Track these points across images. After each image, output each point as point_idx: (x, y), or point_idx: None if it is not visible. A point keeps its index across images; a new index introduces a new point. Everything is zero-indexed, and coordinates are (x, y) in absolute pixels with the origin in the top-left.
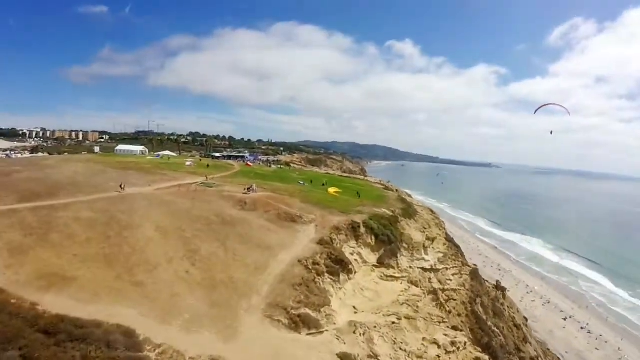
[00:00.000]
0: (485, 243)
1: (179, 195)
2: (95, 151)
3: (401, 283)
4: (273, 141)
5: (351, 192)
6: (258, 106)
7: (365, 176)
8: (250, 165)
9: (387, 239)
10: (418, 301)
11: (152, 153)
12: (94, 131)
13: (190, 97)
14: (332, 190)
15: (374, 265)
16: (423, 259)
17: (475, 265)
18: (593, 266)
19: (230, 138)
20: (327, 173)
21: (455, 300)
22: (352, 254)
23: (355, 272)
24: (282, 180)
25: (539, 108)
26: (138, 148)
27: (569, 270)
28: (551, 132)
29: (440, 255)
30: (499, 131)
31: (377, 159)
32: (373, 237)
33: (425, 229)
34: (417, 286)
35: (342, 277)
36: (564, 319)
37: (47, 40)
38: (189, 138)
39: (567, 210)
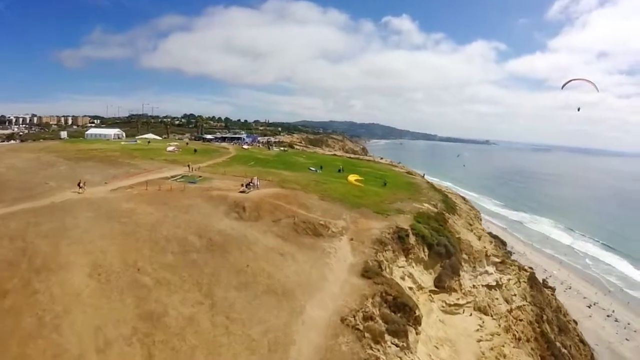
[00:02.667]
0: (494, 224)
1: (144, 199)
2: (62, 137)
3: (470, 315)
4: (270, 122)
5: (373, 178)
6: (254, 86)
7: (372, 156)
8: (247, 149)
9: (444, 251)
10: (502, 345)
11: (136, 138)
12: (85, 116)
13: (185, 78)
14: (352, 178)
15: (431, 292)
16: (486, 271)
17: (531, 268)
18: (605, 247)
19: (227, 119)
20: (335, 155)
21: (522, 320)
22: (402, 279)
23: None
24: (289, 166)
25: (567, 83)
26: (112, 132)
27: (583, 252)
28: (579, 109)
29: (497, 260)
30: (497, 108)
31: (375, 138)
32: (425, 249)
33: (470, 225)
34: (486, 314)
35: (411, 335)
36: (589, 307)
37: (36, 24)
38: (183, 120)
39: (570, 187)
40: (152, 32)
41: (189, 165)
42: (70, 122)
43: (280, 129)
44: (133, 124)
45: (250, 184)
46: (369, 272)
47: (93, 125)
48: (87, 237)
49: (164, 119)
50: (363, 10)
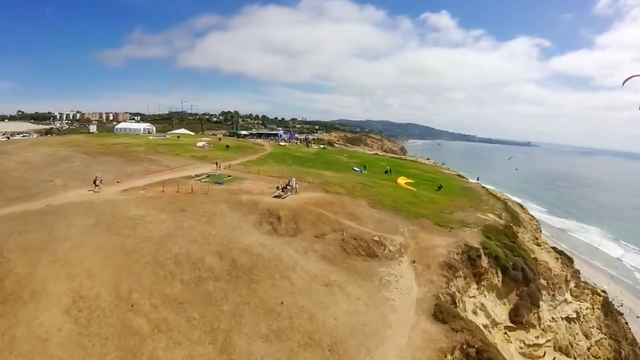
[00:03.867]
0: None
1: (157, 203)
2: (91, 131)
3: (554, 359)
4: (307, 120)
5: (423, 182)
6: (290, 84)
7: (414, 157)
8: (283, 145)
9: (521, 276)
10: None
11: (167, 133)
12: (126, 112)
13: (222, 76)
14: (401, 180)
15: (506, 328)
16: (565, 300)
17: (604, 292)
18: None
19: (264, 117)
20: (376, 154)
21: (599, 358)
22: (474, 313)
23: None
24: (330, 166)
25: (628, 79)
26: (141, 126)
27: (634, 266)
28: None
29: (572, 285)
30: (538, 109)
31: (412, 138)
32: (499, 273)
33: (536, 239)
34: (569, 355)
35: None
36: None
37: (79, 25)
38: (220, 117)
39: (618, 194)
40: (189, 31)
41: (216, 163)
42: (111, 118)
43: (317, 127)
44: (170, 120)
45: (288, 187)
46: (444, 313)
47: (134, 121)
48: (75, 253)
49: (202, 116)
50: (400, 7)
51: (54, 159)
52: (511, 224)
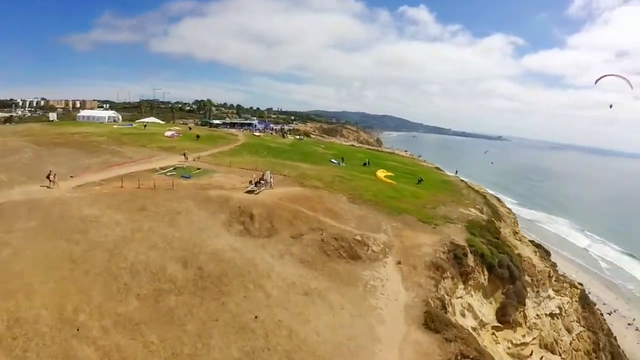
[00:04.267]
0: None
1: (115, 201)
2: (51, 119)
3: (542, 358)
4: (283, 110)
5: (403, 174)
6: (267, 74)
7: (391, 148)
8: (258, 136)
9: (507, 274)
10: None
11: (134, 121)
12: (94, 100)
13: (197, 64)
14: (381, 173)
15: (494, 328)
16: (548, 296)
17: (580, 284)
18: (622, 252)
19: (238, 106)
20: (353, 145)
21: (579, 351)
22: (462, 315)
23: None
24: (307, 157)
25: (600, 78)
26: (106, 114)
27: (601, 256)
28: (610, 106)
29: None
30: (511, 104)
31: (387, 130)
32: (485, 271)
33: (516, 233)
34: (554, 352)
35: None
36: (609, 314)
37: (45, 7)
38: (194, 106)
39: (586, 188)
40: (163, 16)
41: (184, 155)
42: (78, 105)
43: (293, 117)
44: (140, 108)
45: (262, 181)
46: (435, 322)
47: (102, 109)
48: (13, 265)
49: (173, 105)
50: None
51: (3, 150)
52: (493, 219)
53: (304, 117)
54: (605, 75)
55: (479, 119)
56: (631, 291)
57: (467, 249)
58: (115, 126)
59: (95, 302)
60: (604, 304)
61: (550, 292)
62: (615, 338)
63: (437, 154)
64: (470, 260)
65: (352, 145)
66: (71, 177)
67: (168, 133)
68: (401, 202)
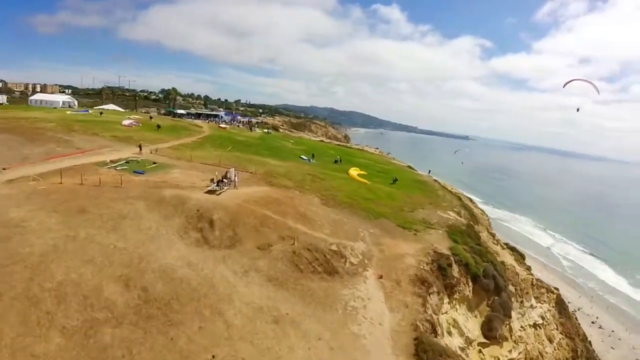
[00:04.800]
0: None
1: (50, 200)
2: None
3: None
4: (251, 103)
5: (376, 173)
6: (237, 66)
7: (360, 145)
8: (224, 128)
9: (492, 284)
10: None
11: (90, 108)
12: (55, 84)
13: (166, 53)
14: (353, 172)
15: (480, 345)
16: (531, 306)
17: (556, 289)
18: (584, 251)
19: (206, 97)
20: (322, 141)
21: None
22: (449, 332)
23: None
24: (275, 153)
25: (568, 82)
26: (60, 98)
27: (563, 255)
28: (578, 110)
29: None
30: (477, 105)
31: (355, 126)
32: (470, 282)
33: (493, 236)
34: None
35: None
36: (573, 312)
37: None
38: (160, 95)
39: (549, 188)
40: (131, 1)
41: (139, 146)
42: (38, 89)
43: (261, 110)
44: (101, 94)
45: (225, 179)
46: (428, 352)
47: (64, 93)
48: None
49: (137, 92)
50: None
51: None
52: (472, 223)
53: (272, 110)
54: (573, 80)
55: (445, 118)
56: (592, 289)
57: (452, 258)
58: (68, 112)
59: (7, 338)
60: (569, 302)
61: (533, 302)
62: (590, 343)
63: (407, 152)
64: (455, 271)
65: (322, 141)
66: (4, 169)
67: (126, 122)
68: (377, 205)
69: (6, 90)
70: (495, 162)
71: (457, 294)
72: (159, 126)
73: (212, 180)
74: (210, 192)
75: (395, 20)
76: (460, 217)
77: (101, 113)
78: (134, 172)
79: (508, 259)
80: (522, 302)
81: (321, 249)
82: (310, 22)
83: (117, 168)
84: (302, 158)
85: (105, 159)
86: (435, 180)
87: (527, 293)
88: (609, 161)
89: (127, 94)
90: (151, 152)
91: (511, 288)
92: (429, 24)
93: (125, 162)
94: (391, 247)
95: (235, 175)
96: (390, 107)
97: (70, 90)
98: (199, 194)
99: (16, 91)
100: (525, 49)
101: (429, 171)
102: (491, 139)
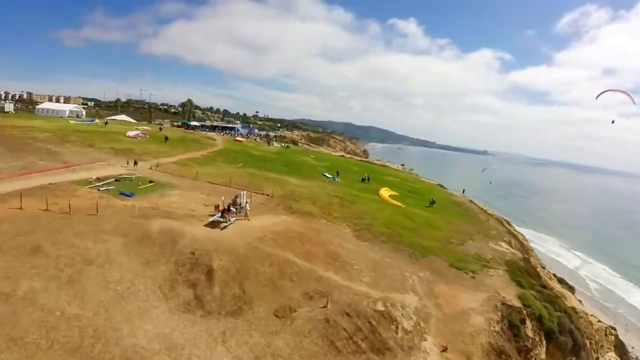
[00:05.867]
0: None
1: (1, 231)
2: (6, 110)
3: None
4: (269, 117)
5: (408, 193)
6: (254, 80)
7: (381, 160)
8: (240, 141)
9: (570, 342)
10: None
11: (98, 118)
12: (79, 97)
13: (185, 67)
14: (385, 192)
15: None
16: None
17: (613, 328)
18: (613, 274)
19: (225, 111)
20: (344, 156)
21: None
22: None
23: None
24: (295, 169)
25: (602, 93)
26: (67, 107)
27: (592, 278)
28: (613, 122)
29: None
30: (495, 119)
31: (372, 141)
32: (543, 340)
33: (543, 268)
34: None
35: None
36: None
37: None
38: (179, 109)
39: (572, 204)
40: (153, 17)
41: (135, 162)
42: (62, 101)
43: (279, 124)
44: (122, 108)
45: (233, 206)
46: None
47: (86, 107)
48: None
49: (151, 104)
50: (369, 11)
51: None
52: (527, 256)
53: (289, 125)
54: (606, 90)
55: (463, 133)
56: (623, 315)
57: (524, 311)
58: (72, 121)
59: None
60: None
61: (607, 356)
62: None
63: (429, 169)
64: (529, 328)
65: (342, 156)
66: None
67: (131, 133)
68: (420, 236)
69: (30, 101)
70: (515, 178)
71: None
72: (166, 138)
73: (216, 207)
74: (213, 224)
75: (411, 34)
76: (513, 248)
77: (106, 123)
78: (121, 193)
79: (575, 302)
80: (597, 358)
81: (364, 312)
82: (326, 37)
83: (102, 188)
84: (325, 176)
85: (91, 175)
86: (471, 201)
87: (602, 347)
88: (631, 176)
89: (145, 106)
90: (150, 168)
91: (586, 341)
92: (447, 38)
93: (115, 180)
94: (450, 300)
95: (246, 202)
96: (407, 122)
97: (93, 103)
98: (198, 227)
99: (39, 102)
100: (546, 62)
101: (463, 191)
102: (509, 154)
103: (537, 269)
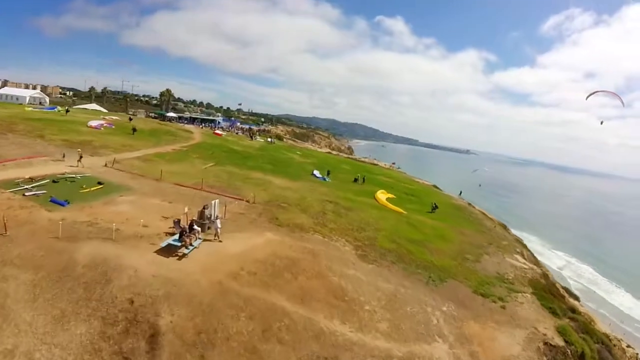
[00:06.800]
0: None
1: None
2: None
3: None
4: (253, 112)
5: (403, 195)
6: (239, 75)
7: (368, 158)
8: (220, 135)
9: None
10: None
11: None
12: (57, 86)
13: (169, 59)
14: (381, 195)
15: None
16: None
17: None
18: (596, 273)
19: (208, 105)
20: (330, 153)
21: None
22: None
23: None
24: (281, 167)
25: (591, 94)
26: (27, 93)
27: (576, 279)
28: (602, 122)
29: None
30: (479, 119)
31: (356, 138)
32: None
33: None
34: None
35: None
36: None
37: None
38: (161, 99)
39: (553, 204)
40: (136, 6)
41: (80, 156)
42: (38, 89)
43: (263, 119)
44: (97, 97)
45: (198, 223)
46: None
47: (65, 95)
48: None
49: (127, 95)
50: (356, 7)
51: None
52: (545, 272)
53: (274, 120)
54: (596, 92)
55: (446, 131)
56: (605, 315)
57: (568, 350)
58: (28, 108)
59: None
60: None
61: None
62: None
63: (413, 166)
64: None
65: (329, 153)
66: None
67: (94, 123)
68: (432, 252)
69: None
70: (496, 177)
71: None
72: (134, 129)
73: (176, 222)
74: (168, 250)
75: (398, 32)
76: (527, 261)
77: (67, 111)
78: (51, 200)
79: (602, 325)
80: None
81: None
82: (313, 32)
83: (28, 193)
84: (315, 175)
85: (22, 174)
86: (470, 204)
87: None
88: (612, 177)
89: (129, 98)
90: (106, 165)
91: None
92: (433, 37)
93: (52, 182)
94: (487, 345)
95: (217, 217)
96: (392, 120)
97: (72, 92)
98: (146, 255)
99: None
100: (529, 63)
101: (460, 192)
102: (492, 153)
103: (557, 285)
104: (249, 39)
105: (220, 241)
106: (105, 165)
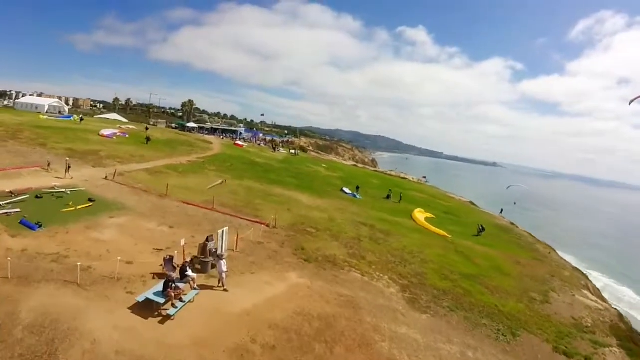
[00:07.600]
0: None
1: None
2: None
3: None
4: (276, 124)
5: (442, 214)
6: (261, 87)
7: (394, 171)
8: (240, 146)
9: None
10: None
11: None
12: (88, 98)
13: (194, 73)
14: (419, 215)
15: None
16: None
17: None
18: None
19: (232, 117)
20: (356, 166)
21: None
22: None
23: None
24: (306, 182)
25: (636, 99)
26: (47, 102)
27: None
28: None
29: None
30: (505, 130)
31: (379, 150)
32: None
33: None
34: None
35: None
36: None
37: (51, 4)
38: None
39: (581, 219)
40: (163, 23)
41: (68, 166)
42: (71, 102)
43: (286, 131)
44: (136, 110)
45: (199, 261)
46: None
47: (95, 108)
48: None
49: (150, 106)
50: (378, 19)
51: None
52: (617, 309)
53: (297, 132)
54: None
55: (471, 143)
56: None
57: None
58: (43, 116)
59: None
60: None
61: None
62: None
63: (445, 182)
64: None
65: (355, 166)
66: None
67: (106, 132)
68: (491, 290)
69: None
70: (527, 191)
71: None
72: (148, 139)
73: (167, 259)
74: (149, 306)
75: (421, 42)
76: (595, 296)
77: (82, 119)
78: (21, 222)
79: None
80: None
81: None
82: (334, 45)
83: (0, 211)
84: (344, 192)
85: (5, 188)
86: (513, 224)
87: None
88: None
89: (156, 110)
90: (106, 178)
91: None
92: (457, 46)
93: (36, 197)
94: None
95: (224, 249)
96: (414, 132)
97: (102, 105)
98: (116, 312)
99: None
100: (558, 71)
101: (501, 210)
102: (519, 166)
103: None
104: (271, 52)
105: (225, 290)
106: (106, 177)
